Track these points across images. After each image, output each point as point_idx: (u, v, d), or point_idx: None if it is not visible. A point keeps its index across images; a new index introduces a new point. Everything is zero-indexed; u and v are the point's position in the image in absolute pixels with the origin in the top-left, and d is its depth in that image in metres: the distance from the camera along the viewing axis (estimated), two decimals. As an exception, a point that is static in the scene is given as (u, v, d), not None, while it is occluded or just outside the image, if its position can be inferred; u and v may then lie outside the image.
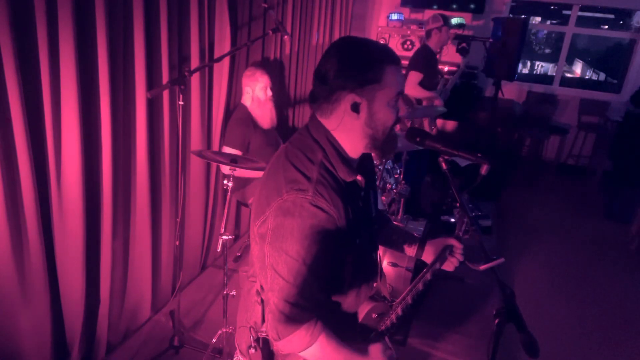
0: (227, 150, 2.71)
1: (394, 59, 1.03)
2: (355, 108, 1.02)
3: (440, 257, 1.23)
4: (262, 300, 1.16)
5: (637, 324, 2.92)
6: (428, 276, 1.20)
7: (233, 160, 2.03)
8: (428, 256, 1.33)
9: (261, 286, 1.15)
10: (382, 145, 1.08)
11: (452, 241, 1.25)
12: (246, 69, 2.86)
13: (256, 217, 1.08)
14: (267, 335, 1.10)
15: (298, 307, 1.01)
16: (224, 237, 2.07)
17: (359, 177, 1.11)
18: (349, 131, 1.06)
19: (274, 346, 1.16)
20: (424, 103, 3.57)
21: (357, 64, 1.00)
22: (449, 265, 1.26)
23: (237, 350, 1.28)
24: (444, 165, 1.17)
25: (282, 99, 3.71)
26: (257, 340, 1.18)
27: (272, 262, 1.01)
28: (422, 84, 3.63)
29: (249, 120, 2.76)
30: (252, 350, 1.18)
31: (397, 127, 1.12)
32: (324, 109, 1.06)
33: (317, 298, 1.04)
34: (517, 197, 4.95)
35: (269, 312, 1.04)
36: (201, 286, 2.89)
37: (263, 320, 1.16)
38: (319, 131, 1.07)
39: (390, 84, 1.02)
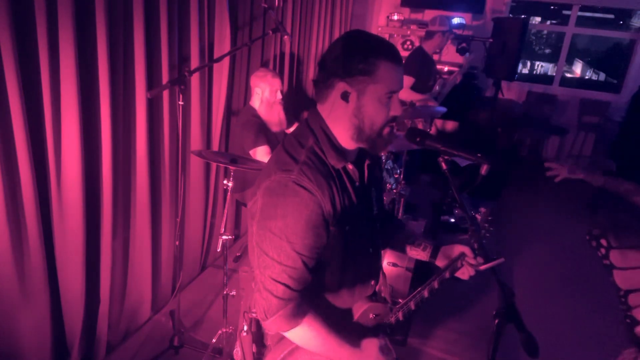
0: (261, 150, 2.59)
1: (393, 57, 1.04)
2: (345, 97, 1.04)
3: (451, 266, 1.21)
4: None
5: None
6: (435, 284, 1.19)
7: (233, 160, 2.03)
8: (441, 262, 1.32)
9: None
10: (368, 139, 1.08)
11: (465, 249, 1.23)
12: (256, 69, 2.82)
13: (251, 197, 1.11)
14: (256, 315, 1.12)
15: (284, 285, 1.02)
16: (224, 237, 2.07)
17: (349, 166, 1.12)
18: (338, 118, 1.08)
19: (263, 327, 1.18)
20: (417, 104, 3.57)
21: (352, 54, 1.03)
22: (464, 274, 1.24)
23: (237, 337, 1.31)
24: (444, 165, 1.17)
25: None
26: (249, 323, 1.21)
27: (259, 241, 1.04)
28: (415, 88, 3.62)
29: (259, 122, 2.73)
30: (244, 334, 1.21)
31: (395, 129, 1.11)
32: (321, 94, 1.09)
33: (303, 277, 1.04)
34: (517, 197, 4.95)
35: (257, 291, 1.06)
36: (201, 286, 2.89)
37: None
38: (315, 120, 1.11)
39: (383, 80, 1.02)
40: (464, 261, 1.21)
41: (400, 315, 1.19)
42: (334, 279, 1.15)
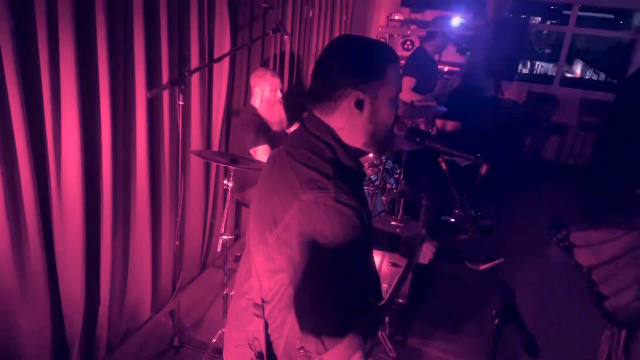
0: (261, 149, 2.60)
1: (395, 57, 1.04)
2: (359, 105, 1.01)
3: (415, 254, 1.27)
4: (258, 315, 1.09)
5: (637, 324, 2.91)
6: (409, 270, 1.23)
7: (233, 160, 2.03)
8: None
9: (262, 299, 1.09)
10: (380, 143, 1.08)
11: (420, 234, 1.27)
12: (256, 69, 2.81)
13: (270, 225, 1.01)
14: (306, 352, 1.01)
15: (343, 311, 0.95)
16: (224, 237, 2.07)
17: (369, 172, 1.11)
18: (351, 128, 1.04)
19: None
20: (418, 105, 3.56)
21: (361, 60, 1.00)
22: (424, 258, 1.29)
23: None
24: (444, 165, 1.17)
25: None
26: (259, 355, 1.11)
27: (306, 269, 0.95)
28: (416, 88, 3.61)
29: (260, 121, 2.72)
30: None
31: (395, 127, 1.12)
32: (325, 107, 1.04)
33: (359, 298, 0.99)
34: (517, 197, 4.95)
35: (309, 322, 0.95)
36: (201, 286, 2.89)
37: (266, 334, 1.10)
38: (322, 130, 1.04)
39: (392, 82, 1.02)
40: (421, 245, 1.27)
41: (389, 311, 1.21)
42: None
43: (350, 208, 0.94)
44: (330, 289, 0.94)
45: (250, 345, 1.12)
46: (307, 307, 0.96)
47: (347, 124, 1.04)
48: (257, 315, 1.10)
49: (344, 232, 0.93)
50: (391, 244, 1.41)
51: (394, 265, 2.53)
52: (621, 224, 1.57)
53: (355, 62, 1.00)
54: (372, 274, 1.20)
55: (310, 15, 3.58)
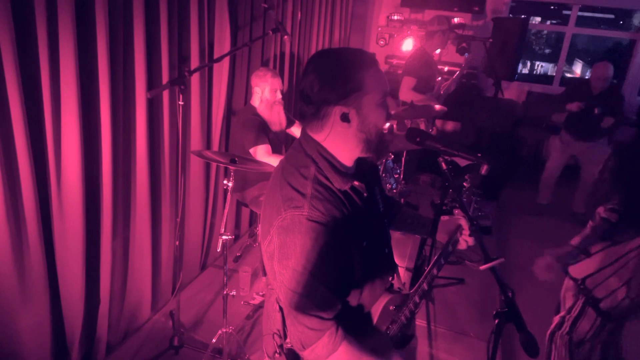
0: (262, 149, 2.60)
1: (370, 63, 1.05)
2: (345, 118, 1.04)
3: (452, 239, 1.24)
4: (280, 309, 1.19)
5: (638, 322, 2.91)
6: (442, 260, 1.22)
7: (233, 160, 2.03)
8: (440, 235, 1.35)
9: (278, 296, 1.17)
10: (376, 147, 1.10)
11: (462, 221, 1.26)
12: (256, 69, 2.82)
13: (264, 235, 1.11)
14: (292, 346, 1.14)
15: (316, 317, 1.04)
16: (224, 237, 2.07)
17: (356, 183, 1.12)
18: (342, 140, 1.08)
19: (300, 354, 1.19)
20: (418, 104, 3.56)
21: (337, 77, 1.02)
22: (462, 244, 1.27)
23: (265, 355, 1.34)
24: (444, 165, 1.18)
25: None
26: (280, 346, 1.22)
27: (283, 280, 1.05)
28: (417, 88, 3.61)
29: (260, 121, 2.72)
30: (277, 356, 1.23)
31: (394, 127, 1.13)
32: (314, 125, 1.08)
33: (333, 305, 1.07)
34: (517, 197, 4.95)
35: (290, 324, 1.08)
36: (201, 286, 2.89)
37: (284, 327, 1.19)
38: (310, 145, 1.10)
39: (373, 88, 1.03)
40: (461, 234, 1.25)
41: (417, 299, 1.23)
42: (357, 287, 1.17)
43: (322, 225, 1.01)
44: (303, 298, 1.03)
45: (274, 335, 1.24)
46: (288, 310, 1.06)
47: (338, 137, 1.08)
48: (277, 310, 1.21)
49: (316, 248, 1.01)
50: (431, 229, 1.42)
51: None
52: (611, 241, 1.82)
53: (332, 80, 1.02)
54: (379, 271, 1.24)
55: (299, 17, 3.60)
